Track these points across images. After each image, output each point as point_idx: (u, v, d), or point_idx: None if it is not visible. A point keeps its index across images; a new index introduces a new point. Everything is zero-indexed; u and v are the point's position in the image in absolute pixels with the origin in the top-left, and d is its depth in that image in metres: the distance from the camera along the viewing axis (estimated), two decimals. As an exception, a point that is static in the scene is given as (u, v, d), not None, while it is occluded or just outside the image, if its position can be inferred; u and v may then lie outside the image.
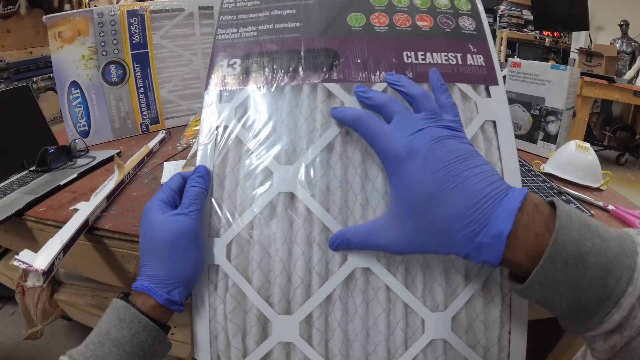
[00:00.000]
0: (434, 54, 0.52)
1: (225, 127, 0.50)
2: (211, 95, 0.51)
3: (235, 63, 0.52)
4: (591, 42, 4.23)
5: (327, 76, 0.50)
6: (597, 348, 0.35)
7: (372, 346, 0.45)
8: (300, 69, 0.51)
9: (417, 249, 0.40)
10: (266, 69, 0.51)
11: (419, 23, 0.53)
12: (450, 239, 0.37)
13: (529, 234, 0.35)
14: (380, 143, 0.42)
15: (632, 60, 3.78)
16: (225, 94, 0.51)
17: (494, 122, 0.50)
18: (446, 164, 0.38)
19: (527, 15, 4.93)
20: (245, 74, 0.52)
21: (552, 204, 0.37)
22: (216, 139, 0.50)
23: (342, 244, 0.44)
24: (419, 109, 0.43)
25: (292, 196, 0.47)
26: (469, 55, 0.52)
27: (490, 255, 0.36)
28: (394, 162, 0.41)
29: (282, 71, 0.51)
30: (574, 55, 4.16)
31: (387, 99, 0.44)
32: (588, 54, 3.52)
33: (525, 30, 5.03)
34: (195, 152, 0.83)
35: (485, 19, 0.55)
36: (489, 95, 0.51)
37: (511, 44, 4.83)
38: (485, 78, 0.51)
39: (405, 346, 0.45)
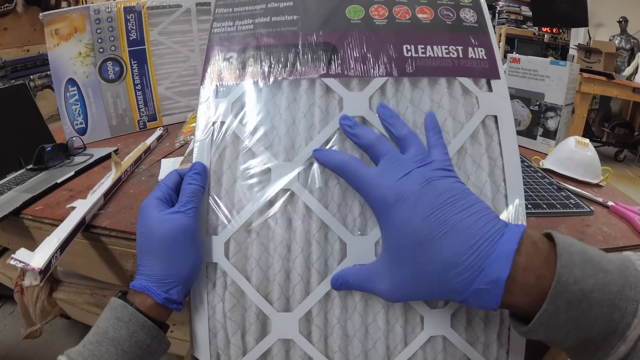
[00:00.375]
0: (435, 47, 0.51)
1: (222, 123, 0.49)
2: (207, 91, 0.51)
3: (231, 57, 0.52)
4: (590, 38, 4.23)
5: (325, 71, 0.50)
6: None
7: (371, 343, 0.44)
8: (298, 64, 0.50)
9: (413, 296, 0.40)
10: (263, 63, 0.51)
11: (419, 15, 0.52)
12: (446, 286, 0.36)
13: (529, 276, 0.34)
14: (367, 190, 0.41)
15: (631, 57, 3.78)
16: (221, 89, 0.51)
17: (495, 117, 0.49)
18: (436, 208, 0.37)
19: (526, 11, 4.92)
20: (242, 68, 0.51)
21: (549, 237, 0.36)
22: (213, 135, 0.49)
23: (342, 285, 0.43)
24: (406, 149, 0.42)
25: (290, 193, 0.46)
26: (470, 48, 0.51)
27: (488, 301, 0.35)
28: (383, 208, 0.39)
29: (280, 65, 0.50)
30: (572, 51, 4.16)
31: (373, 139, 0.43)
32: (587, 50, 3.51)
33: (524, 26, 5.03)
34: (193, 148, 0.83)
35: (486, 11, 0.54)
36: (490, 89, 0.50)
37: (510, 40, 4.83)
38: (486, 71, 0.50)
39: (405, 343, 0.44)
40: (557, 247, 0.34)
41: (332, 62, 0.50)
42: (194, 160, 0.48)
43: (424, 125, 0.46)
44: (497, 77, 0.50)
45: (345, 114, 0.47)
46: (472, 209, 0.37)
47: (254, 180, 0.47)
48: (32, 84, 1.82)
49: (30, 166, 0.93)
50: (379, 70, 0.49)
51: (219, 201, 0.47)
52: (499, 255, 0.34)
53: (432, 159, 0.41)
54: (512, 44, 4.73)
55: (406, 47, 0.51)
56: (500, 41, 4.84)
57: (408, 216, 0.37)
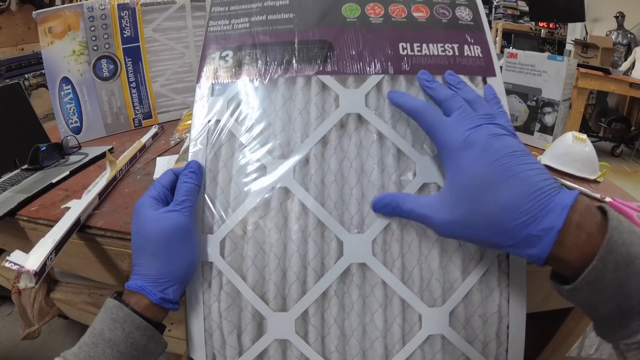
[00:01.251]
0: (431, 45, 0.51)
1: (218, 121, 0.49)
2: (203, 89, 0.50)
3: (227, 55, 0.51)
4: (587, 33, 4.22)
5: (321, 68, 0.49)
6: (630, 357, 0.34)
7: (369, 342, 0.44)
8: (294, 61, 0.50)
9: (465, 234, 0.40)
10: (259, 61, 0.50)
11: (415, 14, 0.53)
12: (500, 227, 0.37)
13: (581, 232, 0.35)
14: (440, 133, 0.43)
15: (628, 52, 3.78)
16: (217, 87, 0.50)
17: None
18: (504, 156, 0.38)
19: (523, 6, 4.93)
20: (238, 66, 0.51)
21: (601, 209, 0.37)
22: (208, 133, 0.49)
23: (388, 205, 0.44)
24: (475, 110, 0.44)
25: (286, 191, 0.46)
26: (466, 46, 0.51)
27: (538, 249, 0.36)
28: (453, 151, 0.41)
29: (276, 63, 0.50)
30: (569, 46, 4.16)
31: (449, 94, 0.45)
32: (584, 45, 3.52)
33: (520, 21, 5.03)
34: (188, 146, 0.82)
35: (482, 10, 0.54)
36: None
37: (506, 35, 4.83)
38: (482, 69, 0.51)
39: (403, 342, 0.44)
40: (609, 214, 0.34)
41: (328, 60, 0.50)
42: (189, 159, 0.48)
43: (484, 96, 0.47)
44: (493, 74, 0.51)
45: (424, 70, 0.49)
46: (535, 165, 0.38)
47: (249, 178, 0.47)
48: (26, 83, 1.81)
49: (25, 166, 0.93)
50: (375, 67, 0.49)
51: (214, 199, 0.47)
52: (555, 206, 0.35)
53: (499, 119, 0.43)
54: (509, 38, 4.74)
55: (402, 45, 0.50)
56: (496, 36, 4.84)
57: (477, 158, 0.39)
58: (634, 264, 0.33)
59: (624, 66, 3.36)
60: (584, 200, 0.36)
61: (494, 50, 0.52)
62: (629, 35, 3.92)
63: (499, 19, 5.03)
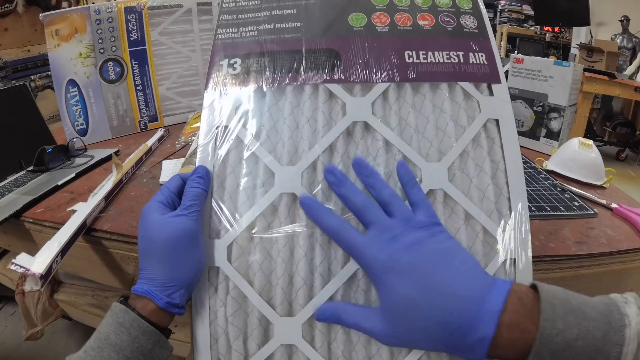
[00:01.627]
0: (436, 53, 0.51)
1: (226, 127, 0.49)
2: (211, 95, 0.51)
3: (235, 63, 0.52)
4: (592, 37, 4.21)
5: (328, 76, 0.50)
6: None
7: (375, 348, 0.44)
8: (302, 69, 0.50)
9: (407, 345, 0.42)
10: (267, 69, 0.51)
11: (420, 22, 0.53)
12: (437, 342, 0.38)
13: (514, 332, 0.35)
14: (359, 257, 0.42)
15: (633, 56, 3.77)
16: (225, 94, 0.51)
17: (497, 121, 0.49)
18: (425, 274, 0.39)
19: (528, 10, 4.92)
20: (246, 73, 0.51)
21: (535, 288, 0.38)
22: (216, 139, 0.49)
23: (331, 318, 0.43)
24: (391, 213, 0.43)
25: (294, 197, 0.46)
26: (471, 54, 0.52)
27: (475, 355, 0.37)
28: (375, 275, 0.41)
29: (283, 71, 0.51)
30: (574, 50, 4.15)
31: (360, 204, 0.43)
32: (589, 49, 3.51)
33: (525, 25, 5.02)
34: (194, 150, 0.82)
35: (486, 17, 0.55)
36: (491, 93, 0.51)
37: (511, 39, 4.82)
38: (487, 76, 0.51)
39: (409, 348, 0.44)
40: (541, 301, 0.36)
41: (335, 68, 0.50)
42: (197, 164, 0.48)
43: (398, 179, 0.46)
44: (498, 81, 0.51)
45: (330, 165, 0.45)
46: (461, 269, 0.39)
47: (257, 185, 0.47)
48: (32, 84, 1.81)
49: (31, 168, 0.93)
50: (381, 75, 0.50)
51: (222, 205, 0.47)
52: (485, 314, 0.36)
53: (417, 218, 0.42)
54: (514, 43, 4.72)
55: (408, 53, 0.51)
56: (501, 40, 4.83)
57: (399, 283, 0.39)
58: (573, 347, 0.34)
59: (629, 70, 3.35)
60: (516, 293, 0.37)
61: (498, 58, 0.53)
62: (634, 39, 3.91)
63: (504, 23, 5.03)
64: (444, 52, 0.51)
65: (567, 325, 0.34)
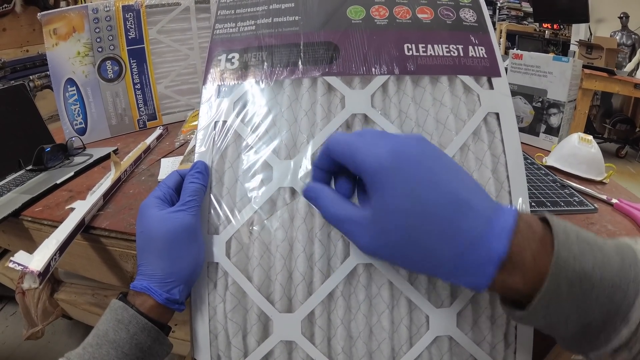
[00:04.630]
0: (435, 46, 0.51)
1: (224, 122, 0.49)
2: (209, 90, 0.50)
3: (233, 57, 0.51)
4: (591, 34, 4.21)
5: (327, 69, 0.49)
6: None
7: (375, 344, 0.44)
8: (300, 63, 0.50)
9: (395, 259, 0.36)
10: (265, 63, 0.50)
11: (420, 15, 0.53)
12: (437, 257, 0.34)
13: (525, 255, 0.32)
14: (358, 155, 0.36)
15: (632, 53, 3.76)
16: (223, 89, 0.50)
17: (497, 114, 0.49)
18: (429, 173, 0.34)
19: (527, 7, 4.91)
20: (244, 68, 0.51)
21: (543, 220, 0.34)
22: (215, 134, 0.49)
23: (313, 202, 0.39)
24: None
25: (292, 191, 0.46)
26: (470, 47, 0.51)
27: (479, 277, 0.33)
28: (377, 170, 0.35)
29: (282, 65, 0.50)
30: (573, 47, 4.15)
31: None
32: (588, 46, 3.51)
33: (524, 22, 5.01)
34: (193, 148, 0.82)
35: (486, 11, 0.55)
36: (491, 87, 0.50)
37: (511, 36, 4.82)
38: (487, 70, 0.51)
39: (410, 343, 0.44)
40: (553, 228, 0.33)
41: (334, 61, 0.50)
42: (195, 159, 0.48)
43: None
44: (498, 74, 0.51)
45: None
46: (467, 179, 0.35)
47: (255, 179, 0.47)
48: (31, 84, 1.81)
49: (30, 167, 0.93)
50: (380, 68, 0.49)
51: (220, 200, 0.47)
52: (497, 230, 0.32)
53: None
54: (513, 40, 4.73)
55: (407, 46, 0.51)
56: (500, 37, 4.83)
57: (408, 178, 0.34)
58: (590, 277, 0.31)
59: (629, 67, 3.35)
60: (524, 218, 0.34)
61: (498, 51, 0.52)
62: (633, 36, 3.91)
63: (503, 20, 5.02)
64: (444, 46, 0.51)
65: (582, 252, 0.31)
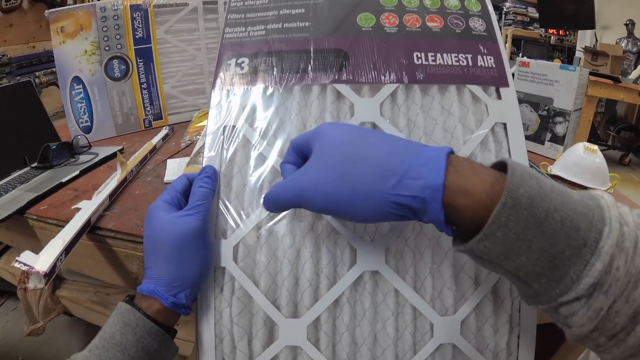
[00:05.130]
0: (445, 55, 0.51)
1: (233, 127, 0.49)
2: (218, 95, 0.51)
3: (243, 62, 0.52)
4: (597, 41, 4.21)
5: (336, 77, 0.50)
6: (577, 321, 0.30)
7: (380, 350, 0.44)
8: (310, 69, 0.50)
9: (338, 190, 0.36)
10: (275, 69, 0.51)
11: (429, 24, 0.53)
12: (379, 169, 0.35)
13: (470, 176, 0.32)
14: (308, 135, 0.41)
15: (638, 60, 3.76)
16: (233, 93, 0.50)
17: (505, 124, 0.49)
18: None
19: (533, 12, 4.91)
20: (254, 73, 0.51)
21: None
22: (223, 138, 0.49)
23: (264, 201, 0.41)
24: None
25: None
26: (479, 57, 0.52)
27: (429, 179, 0.32)
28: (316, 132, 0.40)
29: (291, 71, 0.50)
30: (579, 54, 4.14)
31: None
32: (594, 53, 3.50)
33: (530, 27, 5.01)
34: (199, 149, 0.82)
35: (495, 20, 0.55)
36: (499, 96, 0.51)
37: (516, 42, 4.82)
38: (495, 79, 0.51)
39: (414, 350, 0.44)
40: (502, 159, 0.33)
41: (344, 69, 0.50)
42: (204, 164, 0.48)
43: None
44: (506, 85, 0.51)
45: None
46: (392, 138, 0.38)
47: (264, 185, 0.47)
48: (37, 80, 1.82)
49: (35, 164, 0.93)
50: (389, 77, 0.50)
51: (228, 205, 0.47)
52: (432, 147, 0.35)
53: None
54: (519, 45, 4.72)
55: (416, 55, 0.51)
56: (506, 42, 4.82)
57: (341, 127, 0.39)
58: (551, 198, 0.29)
59: (634, 74, 3.34)
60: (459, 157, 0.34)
61: (507, 61, 0.52)
62: (638, 43, 3.90)
63: (509, 25, 5.01)
64: (453, 55, 0.51)
65: (538, 177, 0.30)
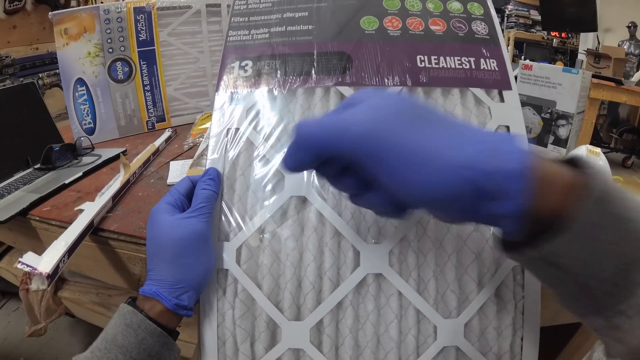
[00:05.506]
0: (448, 58, 0.51)
1: (237, 130, 0.49)
2: (222, 97, 0.51)
3: (247, 65, 0.52)
4: (599, 43, 4.20)
5: (340, 79, 0.50)
6: (631, 330, 0.28)
7: (383, 353, 0.44)
8: (313, 72, 0.50)
9: (397, 153, 0.29)
10: (278, 72, 0.51)
11: (432, 27, 0.53)
12: (458, 136, 0.29)
13: (553, 166, 0.28)
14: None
15: (640, 63, 3.76)
16: (236, 96, 0.51)
17: (508, 127, 0.49)
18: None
19: (535, 15, 4.90)
20: (257, 76, 0.51)
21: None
22: (227, 141, 0.49)
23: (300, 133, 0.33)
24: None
25: (303, 200, 0.46)
26: (482, 60, 0.52)
27: (511, 199, 0.27)
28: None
29: (295, 74, 0.51)
30: (581, 56, 4.14)
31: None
32: (596, 55, 3.49)
33: (532, 30, 5.00)
34: (202, 151, 0.82)
35: (498, 24, 0.55)
36: (502, 100, 0.51)
37: (518, 44, 4.81)
38: (498, 83, 0.51)
39: (417, 353, 0.44)
40: (580, 164, 0.29)
41: (347, 71, 0.50)
42: (207, 166, 0.48)
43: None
44: (509, 88, 0.51)
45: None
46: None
47: (267, 187, 0.47)
48: (40, 82, 1.82)
49: (38, 166, 0.93)
50: (393, 79, 0.50)
51: (231, 207, 0.47)
52: (512, 151, 0.28)
53: None
54: (521, 47, 4.71)
55: (420, 58, 0.51)
56: (508, 45, 4.82)
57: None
58: (629, 205, 0.27)
59: (636, 77, 3.32)
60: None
61: (509, 64, 0.53)
62: (641, 45, 3.90)
63: (511, 27, 5.00)
64: (456, 58, 0.51)
65: (615, 186, 0.27)
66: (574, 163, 0.30)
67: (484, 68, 0.51)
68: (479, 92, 0.50)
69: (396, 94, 0.33)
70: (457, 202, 0.29)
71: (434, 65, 0.51)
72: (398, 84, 0.49)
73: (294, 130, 0.32)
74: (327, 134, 0.31)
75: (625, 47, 3.84)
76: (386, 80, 0.49)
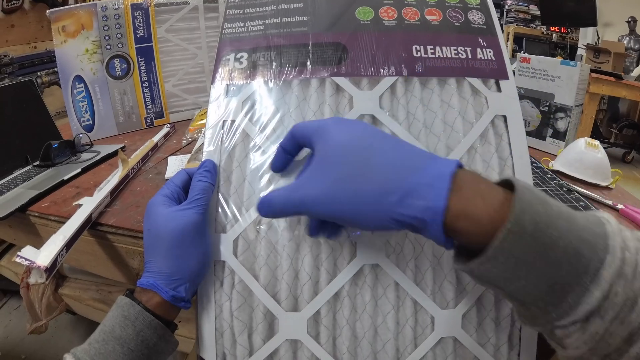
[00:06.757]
0: (444, 48, 0.51)
1: (232, 122, 0.49)
2: (217, 90, 0.51)
3: (242, 57, 0.52)
4: (598, 38, 4.19)
5: (335, 70, 0.50)
6: (572, 343, 0.30)
7: (380, 344, 0.44)
8: (309, 63, 0.50)
9: (342, 203, 0.36)
10: (274, 63, 0.51)
11: (428, 17, 0.53)
12: (380, 184, 0.34)
13: (474, 199, 0.31)
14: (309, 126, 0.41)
15: (640, 57, 3.75)
16: (232, 88, 0.50)
17: (505, 117, 0.49)
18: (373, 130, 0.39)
19: (534, 10, 4.89)
20: (253, 68, 0.51)
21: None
22: (223, 133, 0.49)
23: (263, 208, 0.40)
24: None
25: None
26: (478, 49, 0.51)
27: (430, 199, 0.32)
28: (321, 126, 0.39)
29: (290, 65, 0.50)
30: (581, 51, 4.13)
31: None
32: (596, 50, 3.49)
33: (532, 25, 4.99)
34: (200, 146, 0.82)
35: (494, 13, 0.55)
36: (499, 89, 0.50)
37: (518, 39, 4.80)
38: (495, 72, 0.51)
39: (415, 344, 0.44)
40: (513, 181, 0.32)
41: (342, 62, 0.50)
42: (203, 158, 0.48)
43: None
44: (506, 77, 0.50)
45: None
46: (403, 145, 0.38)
47: (263, 178, 0.47)
48: (39, 80, 1.82)
49: (37, 163, 0.94)
50: (389, 69, 0.49)
51: (228, 199, 0.47)
52: (440, 159, 0.35)
53: None
54: (520, 42, 4.70)
55: (415, 48, 0.51)
56: (508, 40, 4.81)
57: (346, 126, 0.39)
58: (554, 225, 0.29)
59: (636, 71, 3.33)
60: (468, 170, 0.34)
61: (506, 54, 0.52)
62: (640, 40, 3.89)
63: (510, 23, 5.00)
64: (452, 48, 0.51)
65: (546, 200, 0.30)
66: (506, 185, 0.33)
67: (480, 58, 0.51)
68: (476, 82, 0.50)
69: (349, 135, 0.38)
70: (398, 230, 0.36)
71: (430, 55, 0.50)
72: (394, 74, 0.49)
73: (257, 202, 0.41)
74: (285, 207, 0.39)
75: (625, 41, 3.84)
76: (382, 71, 0.49)
